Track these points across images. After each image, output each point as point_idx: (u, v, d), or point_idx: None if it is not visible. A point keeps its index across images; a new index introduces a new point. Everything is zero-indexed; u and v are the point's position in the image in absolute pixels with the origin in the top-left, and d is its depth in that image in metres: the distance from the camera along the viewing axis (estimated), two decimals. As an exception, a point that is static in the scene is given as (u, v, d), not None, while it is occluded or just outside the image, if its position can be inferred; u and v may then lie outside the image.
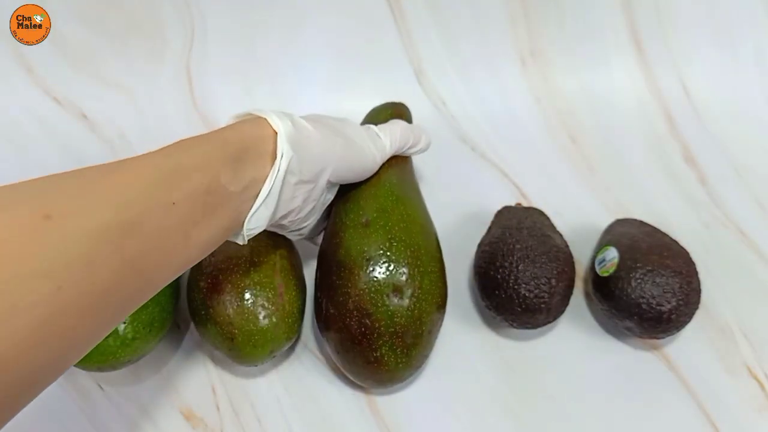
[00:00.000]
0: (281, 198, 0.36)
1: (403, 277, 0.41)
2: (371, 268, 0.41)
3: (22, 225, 0.23)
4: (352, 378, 0.44)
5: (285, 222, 0.40)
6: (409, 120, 0.55)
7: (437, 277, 0.43)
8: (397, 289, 0.41)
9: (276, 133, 0.36)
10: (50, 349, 0.24)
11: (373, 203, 0.44)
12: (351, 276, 0.41)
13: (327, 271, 0.43)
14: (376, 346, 0.41)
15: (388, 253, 0.41)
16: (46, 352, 0.24)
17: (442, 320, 0.44)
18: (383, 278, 0.41)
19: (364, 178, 0.44)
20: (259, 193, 0.35)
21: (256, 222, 0.36)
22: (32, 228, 0.24)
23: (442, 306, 0.44)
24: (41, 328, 0.23)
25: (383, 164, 0.46)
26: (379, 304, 0.40)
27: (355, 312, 0.41)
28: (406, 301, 0.41)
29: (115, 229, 0.26)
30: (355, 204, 0.44)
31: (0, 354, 0.22)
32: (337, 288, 0.42)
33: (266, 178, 0.35)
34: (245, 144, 0.34)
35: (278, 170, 0.35)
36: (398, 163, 0.47)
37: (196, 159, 0.32)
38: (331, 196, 0.43)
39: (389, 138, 0.45)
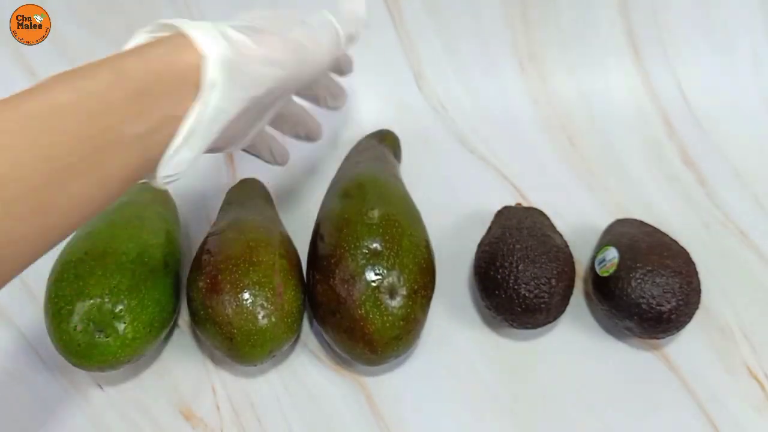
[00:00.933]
0: (212, 136, 0.30)
1: (381, 235, 0.43)
2: (350, 228, 0.43)
3: None
4: (343, 352, 0.44)
5: (220, 147, 0.35)
6: (395, 145, 0.58)
7: (419, 240, 0.45)
8: (376, 244, 0.42)
9: (202, 57, 0.28)
10: None
11: (355, 182, 0.48)
12: (332, 240, 0.44)
13: (313, 246, 0.46)
14: (359, 302, 0.41)
15: (367, 215, 0.44)
16: None
17: (431, 286, 0.45)
18: (361, 235, 0.43)
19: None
20: (175, 133, 0.29)
21: (176, 168, 0.30)
22: None
23: (427, 270, 0.44)
24: None
25: (367, 157, 0.50)
26: (359, 258, 0.42)
27: (336, 270, 0.42)
28: (384, 256, 0.42)
29: (10, 178, 0.23)
30: (339, 187, 0.48)
31: None
32: (321, 257, 0.44)
33: (186, 115, 0.28)
34: (154, 75, 0.28)
35: (208, 106, 0.28)
36: (381, 156, 0.53)
37: (78, 96, 0.26)
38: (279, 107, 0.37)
39: (344, 26, 0.38)
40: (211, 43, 0.28)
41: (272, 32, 0.33)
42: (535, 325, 0.45)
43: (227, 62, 0.29)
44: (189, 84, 0.28)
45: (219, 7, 0.59)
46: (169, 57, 0.28)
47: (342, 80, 0.49)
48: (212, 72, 0.28)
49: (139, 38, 0.30)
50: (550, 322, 0.46)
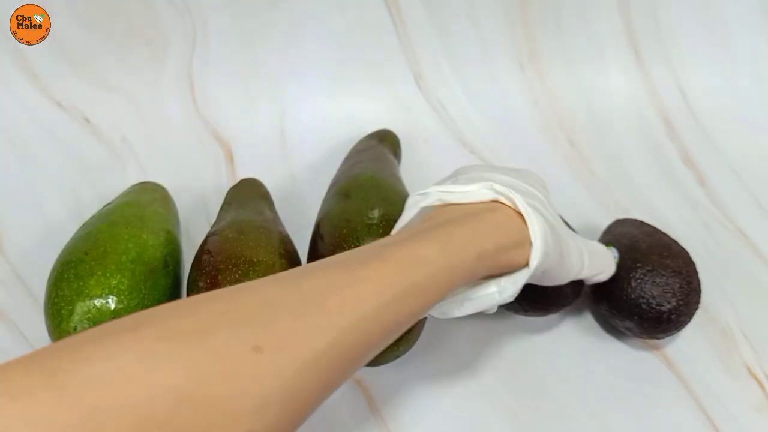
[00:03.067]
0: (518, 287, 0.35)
1: (381, 235, 0.43)
2: (350, 228, 0.43)
3: (228, 357, 0.22)
4: None
5: None
6: (395, 145, 0.58)
7: None
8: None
9: (532, 248, 0.34)
10: None
11: (354, 182, 0.48)
12: (332, 240, 0.44)
13: (313, 246, 0.46)
14: None
15: (367, 215, 0.44)
16: None
17: None
18: (361, 235, 0.43)
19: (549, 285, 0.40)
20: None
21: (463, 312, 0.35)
22: (240, 361, 0.22)
23: None
24: None
25: (367, 157, 0.51)
26: None
27: None
28: None
29: (327, 358, 0.24)
30: (339, 187, 0.49)
31: None
32: (321, 257, 0.44)
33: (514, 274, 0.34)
34: (498, 262, 0.33)
35: (528, 274, 0.34)
36: (381, 156, 0.53)
37: (434, 279, 0.29)
38: None
39: (589, 261, 0.40)
40: (540, 243, 0.33)
41: (562, 232, 0.37)
42: (546, 312, 0.46)
43: (544, 256, 0.34)
44: (521, 250, 0.34)
45: (220, 12, 0.59)
46: (513, 256, 0.33)
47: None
48: (535, 261, 0.33)
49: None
50: (555, 311, 0.46)
